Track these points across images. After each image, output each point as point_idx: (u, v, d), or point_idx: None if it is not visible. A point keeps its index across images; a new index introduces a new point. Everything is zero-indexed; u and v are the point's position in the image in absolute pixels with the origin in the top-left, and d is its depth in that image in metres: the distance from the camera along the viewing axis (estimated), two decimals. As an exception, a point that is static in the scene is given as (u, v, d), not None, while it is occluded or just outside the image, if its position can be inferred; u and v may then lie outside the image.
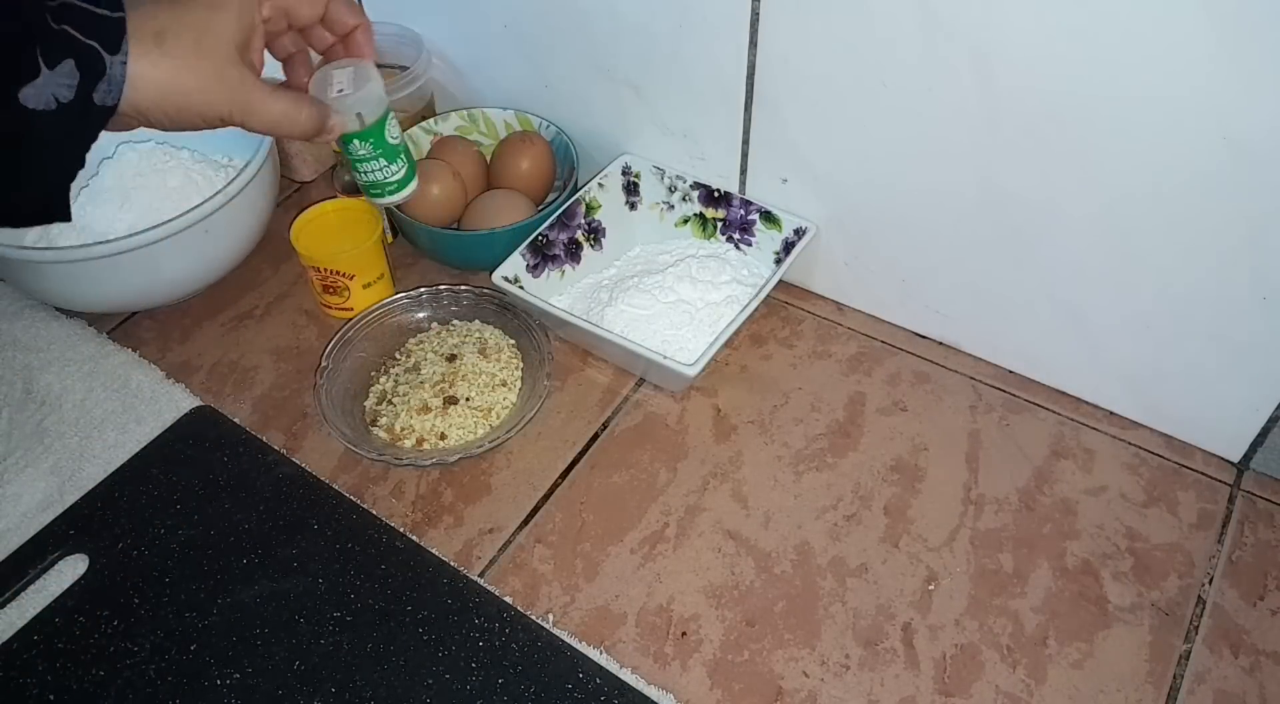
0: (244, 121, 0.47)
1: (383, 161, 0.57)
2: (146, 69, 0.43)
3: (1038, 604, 0.55)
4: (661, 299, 0.67)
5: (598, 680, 0.52)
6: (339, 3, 0.51)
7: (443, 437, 0.63)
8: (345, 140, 0.56)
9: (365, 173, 0.57)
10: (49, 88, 0.40)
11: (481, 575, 0.57)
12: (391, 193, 0.58)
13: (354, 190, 0.73)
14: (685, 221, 0.73)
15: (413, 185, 0.58)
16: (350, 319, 0.68)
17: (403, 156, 0.58)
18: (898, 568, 0.57)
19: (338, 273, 0.68)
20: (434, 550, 0.58)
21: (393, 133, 0.58)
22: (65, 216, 0.44)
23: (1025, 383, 0.66)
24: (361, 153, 0.57)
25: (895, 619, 0.55)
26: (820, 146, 0.64)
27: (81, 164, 0.43)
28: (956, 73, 0.54)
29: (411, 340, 0.69)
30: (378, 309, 0.68)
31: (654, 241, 0.74)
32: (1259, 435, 0.59)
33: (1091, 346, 0.62)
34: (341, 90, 0.54)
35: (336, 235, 0.69)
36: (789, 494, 0.61)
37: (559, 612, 0.56)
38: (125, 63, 0.42)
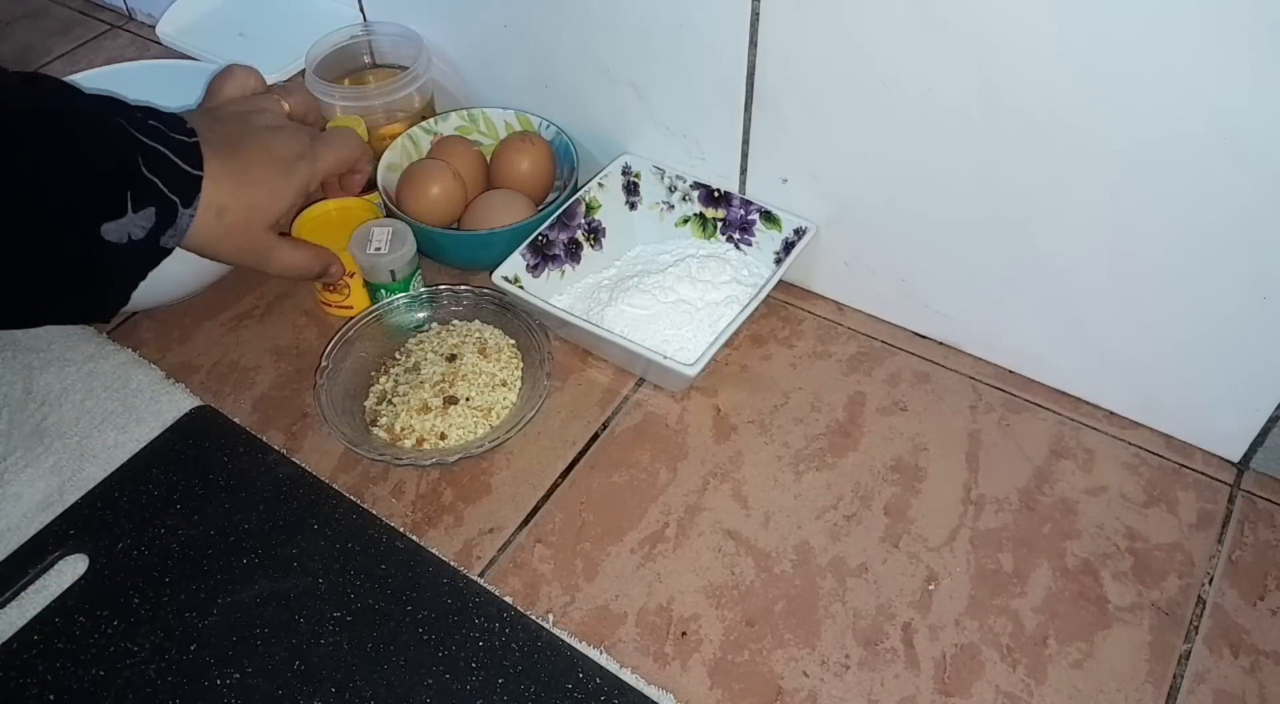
0: (261, 269, 0.58)
1: (397, 293, 0.68)
2: (201, 230, 0.50)
3: (1038, 604, 0.55)
4: (661, 299, 0.67)
5: (598, 680, 0.52)
6: (365, 160, 0.64)
7: (443, 437, 0.63)
8: (374, 287, 0.68)
9: (377, 293, 0.68)
10: (128, 227, 0.46)
11: (481, 575, 0.57)
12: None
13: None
14: (685, 221, 0.73)
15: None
16: (350, 318, 0.68)
17: (414, 286, 0.69)
18: (898, 568, 0.57)
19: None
20: (434, 550, 0.58)
21: (416, 285, 0.70)
22: (106, 321, 0.52)
23: (1025, 383, 0.66)
24: (383, 293, 0.68)
25: (895, 619, 0.55)
26: (820, 146, 0.64)
27: (130, 293, 0.49)
28: (957, 73, 0.54)
29: (411, 340, 0.69)
30: (378, 309, 0.68)
31: (654, 241, 0.74)
32: (1259, 435, 0.59)
33: (1091, 347, 0.62)
34: (379, 249, 0.66)
35: (337, 233, 0.69)
36: (789, 494, 0.61)
37: (559, 612, 0.56)
38: (193, 217, 0.49)
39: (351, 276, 0.69)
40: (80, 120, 0.45)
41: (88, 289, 0.47)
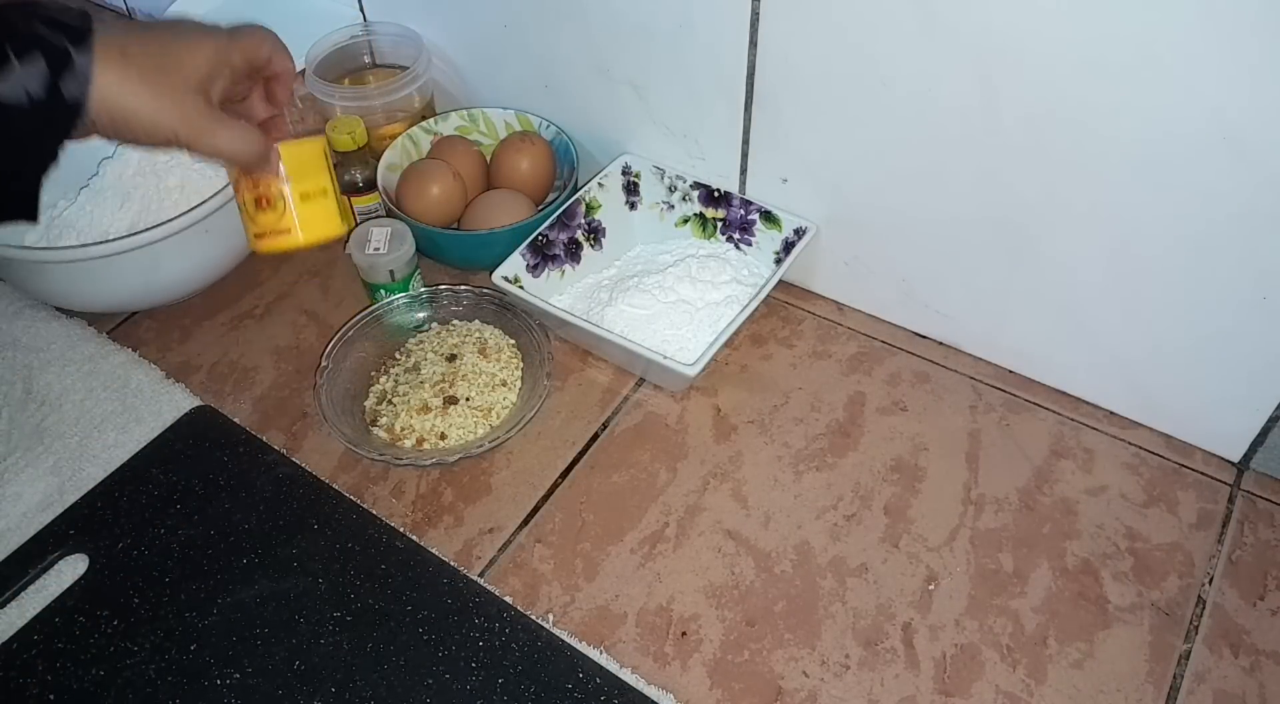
0: (190, 143, 0.48)
1: (396, 293, 0.68)
2: (110, 77, 0.44)
3: (1038, 604, 0.55)
4: (661, 299, 0.67)
5: (598, 680, 0.52)
6: (282, 54, 0.54)
7: (443, 436, 0.63)
8: (373, 287, 0.68)
9: (377, 293, 0.68)
10: (21, 81, 0.42)
11: (481, 575, 0.57)
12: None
13: (353, 189, 0.73)
14: (685, 221, 0.73)
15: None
16: (294, 250, 0.56)
17: (413, 286, 0.69)
18: (898, 568, 0.57)
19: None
20: (434, 550, 0.58)
21: (415, 286, 0.69)
22: (33, 217, 0.46)
23: (1025, 383, 0.66)
24: (381, 293, 0.68)
25: (895, 619, 0.55)
26: (820, 146, 0.64)
27: (52, 161, 0.45)
28: (957, 73, 0.54)
29: (411, 340, 0.69)
30: (378, 309, 0.68)
31: (654, 241, 0.74)
32: (1259, 435, 0.59)
33: (1091, 347, 0.62)
34: (378, 249, 0.66)
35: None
36: (789, 494, 0.61)
37: (559, 612, 0.56)
38: (91, 60, 0.44)
39: (287, 182, 0.55)
40: None
41: (5, 169, 0.44)
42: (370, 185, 0.74)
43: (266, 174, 0.55)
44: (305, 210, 0.56)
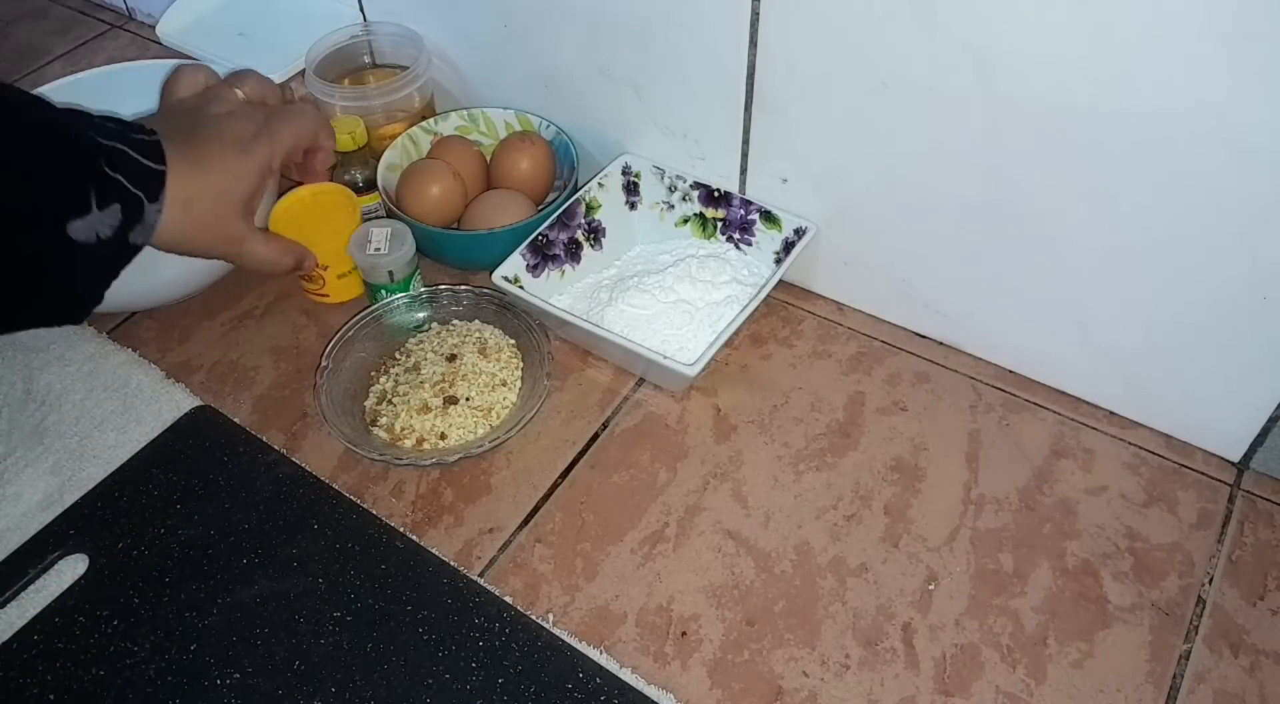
0: (235, 261, 0.57)
1: (396, 293, 0.69)
2: (170, 224, 0.50)
3: (1038, 604, 0.55)
4: (661, 299, 0.67)
5: (598, 680, 0.52)
6: (325, 133, 0.62)
7: (443, 436, 0.63)
8: (373, 288, 0.69)
9: (377, 293, 0.69)
10: (95, 225, 0.46)
11: (481, 575, 0.57)
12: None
13: (353, 189, 0.73)
14: (685, 221, 0.73)
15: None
16: (327, 309, 0.69)
17: (413, 286, 0.70)
18: (898, 568, 0.57)
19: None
20: (434, 550, 0.58)
21: (415, 286, 0.70)
22: (78, 322, 0.50)
23: (1025, 383, 0.66)
24: (381, 293, 0.69)
25: (895, 619, 0.55)
26: (820, 146, 0.64)
27: (103, 292, 0.49)
28: (958, 73, 0.54)
29: (411, 340, 0.69)
30: (378, 309, 0.68)
31: (654, 241, 0.74)
32: (1259, 435, 0.59)
33: (1091, 347, 0.62)
34: (379, 249, 0.67)
35: (313, 221, 0.69)
36: (789, 494, 0.61)
37: (559, 611, 0.56)
38: (160, 212, 0.49)
39: (325, 269, 0.69)
40: (45, 127, 0.46)
41: (60, 289, 0.47)
42: (370, 185, 0.74)
43: (305, 272, 0.65)
44: (338, 283, 0.71)
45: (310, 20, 0.81)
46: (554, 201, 0.73)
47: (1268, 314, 0.53)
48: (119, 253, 0.48)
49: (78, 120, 0.48)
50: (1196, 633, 0.54)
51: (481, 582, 0.57)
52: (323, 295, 0.72)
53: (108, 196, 0.46)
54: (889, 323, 0.71)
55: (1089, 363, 0.63)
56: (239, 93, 0.59)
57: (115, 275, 0.49)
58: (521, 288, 0.66)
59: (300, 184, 0.70)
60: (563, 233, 0.70)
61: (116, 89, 0.76)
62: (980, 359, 0.68)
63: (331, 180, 0.73)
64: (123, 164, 0.47)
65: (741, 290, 0.68)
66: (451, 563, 0.57)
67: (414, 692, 0.52)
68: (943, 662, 0.53)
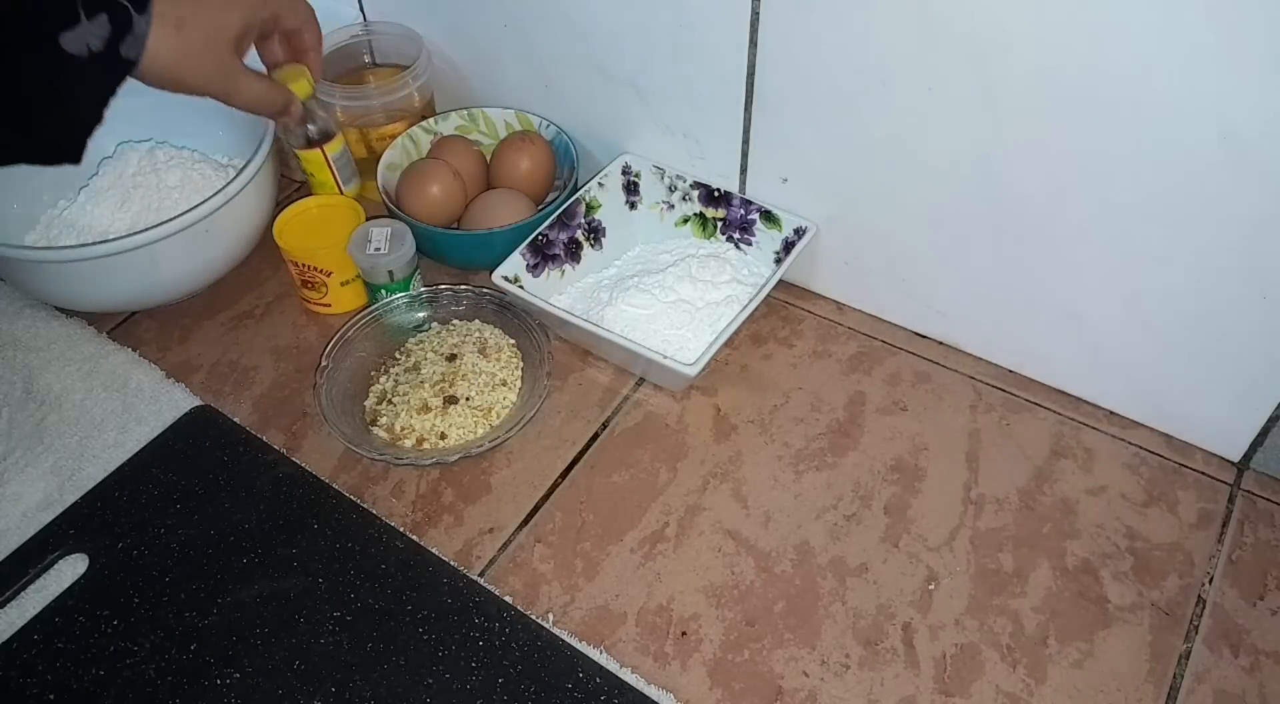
0: (225, 98, 0.56)
1: (396, 293, 0.68)
2: (162, 44, 0.49)
3: (1038, 604, 0.55)
4: (661, 299, 0.67)
5: (598, 680, 0.52)
6: (312, 23, 0.61)
7: (443, 436, 0.63)
8: (373, 288, 0.68)
9: (377, 293, 0.69)
10: (84, 36, 0.45)
11: (481, 575, 0.57)
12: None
13: (308, 143, 0.71)
14: (685, 221, 0.73)
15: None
16: (329, 317, 0.69)
17: (413, 286, 0.70)
18: (898, 568, 0.57)
19: (316, 269, 0.69)
20: (434, 550, 0.58)
21: (415, 286, 0.69)
22: (76, 160, 0.49)
23: (1025, 383, 0.66)
24: (381, 293, 0.68)
25: (895, 619, 0.55)
26: (820, 146, 0.64)
27: (102, 112, 0.48)
28: (957, 72, 0.54)
29: (411, 340, 0.69)
30: (377, 309, 0.68)
31: (654, 241, 0.74)
32: (1259, 435, 0.59)
33: (1091, 346, 0.62)
34: (379, 249, 0.66)
35: (318, 231, 0.70)
36: (789, 494, 0.61)
37: (559, 611, 0.56)
38: (149, 23, 0.48)
39: (329, 275, 0.69)
40: None
41: (56, 106, 0.47)
42: (325, 136, 0.68)
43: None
44: (340, 292, 0.71)
45: (310, 20, 0.80)
46: (554, 201, 0.73)
47: (1268, 314, 0.53)
48: (113, 66, 0.48)
49: None
50: (1196, 633, 0.54)
51: (481, 581, 0.57)
52: (324, 305, 0.72)
53: (93, 6, 0.46)
54: (889, 323, 0.71)
55: (1089, 363, 0.63)
56: None
57: (113, 92, 0.48)
58: (521, 287, 0.66)
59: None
60: (563, 232, 0.70)
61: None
62: (980, 359, 0.68)
63: (282, 134, 0.71)
64: None
65: (741, 290, 0.68)
66: (451, 563, 0.57)
67: (414, 692, 0.52)
68: (943, 662, 0.53)
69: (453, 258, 0.74)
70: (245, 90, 0.56)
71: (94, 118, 0.49)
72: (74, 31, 0.45)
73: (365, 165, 0.76)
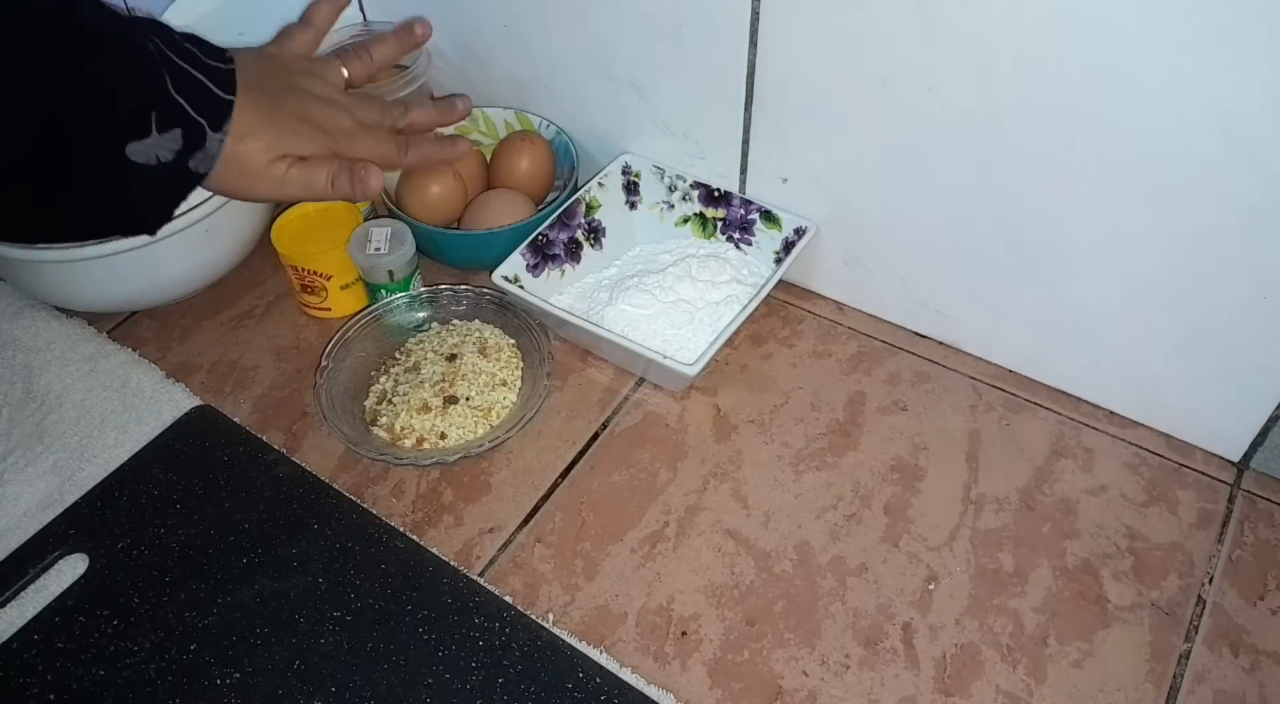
0: (279, 199, 0.56)
1: (396, 293, 0.68)
2: (228, 160, 0.48)
3: (1038, 604, 0.55)
4: (661, 298, 0.67)
5: (598, 680, 0.52)
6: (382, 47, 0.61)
7: (443, 436, 0.63)
8: (373, 288, 0.68)
9: (377, 293, 0.69)
10: (154, 148, 0.45)
11: (481, 575, 0.57)
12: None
13: None
14: (685, 221, 0.73)
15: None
16: (328, 320, 0.69)
17: (413, 286, 0.70)
18: (898, 567, 0.57)
19: (315, 273, 0.69)
20: (434, 550, 0.58)
21: (415, 286, 0.69)
22: (152, 232, 0.49)
23: (1025, 382, 0.66)
24: (381, 292, 0.68)
25: (895, 619, 0.55)
26: (820, 146, 0.64)
27: (168, 217, 0.48)
28: (958, 73, 0.54)
29: (411, 340, 0.69)
30: (377, 309, 0.68)
31: (654, 241, 0.74)
32: (1259, 435, 0.59)
33: (1091, 347, 0.62)
34: (379, 249, 0.67)
35: (316, 235, 0.70)
36: (789, 494, 0.61)
37: (559, 611, 0.56)
38: (223, 141, 0.47)
39: (329, 279, 0.69)
40: (112, 42, 0.44)
41: (125, 206, 0.47)
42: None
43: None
44: (340, 296, 0.71)
45: (310, 20, 0.80)
46: (554, 201, 0.73)
47: (1268, 314, 0.53)
48: (181, 178, 0.47)
49: (151, 34, 0.46)
50: (1196, 633, 0.54)
51: (481, 581, 0.57)
52: (324, 309, 0.71)
53: (168, 121, 0.45)
54: (889, 323, 0.71)
55: (1089, 363, 0.63)
56: (344, 72, 0.58)
57: (182, 198, 0.48)
58: (521, 287, 0.66)
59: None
60: (563, 232, 0.70)
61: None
62: (980, 359, 0.68)
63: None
64: (188, 88, 0.46)
65: (741, 290, 0.68)
66: (451, 563, 0.57)
67: (414, 692, 0.52)
68: (943, 662, 0.53)
69: (453, 258, 0.74)
70: (292, 192, 0.53)
71: (163, 216, 0.48)
72: (142, 143, 0.44)
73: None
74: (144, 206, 0.47)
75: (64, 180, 0.44)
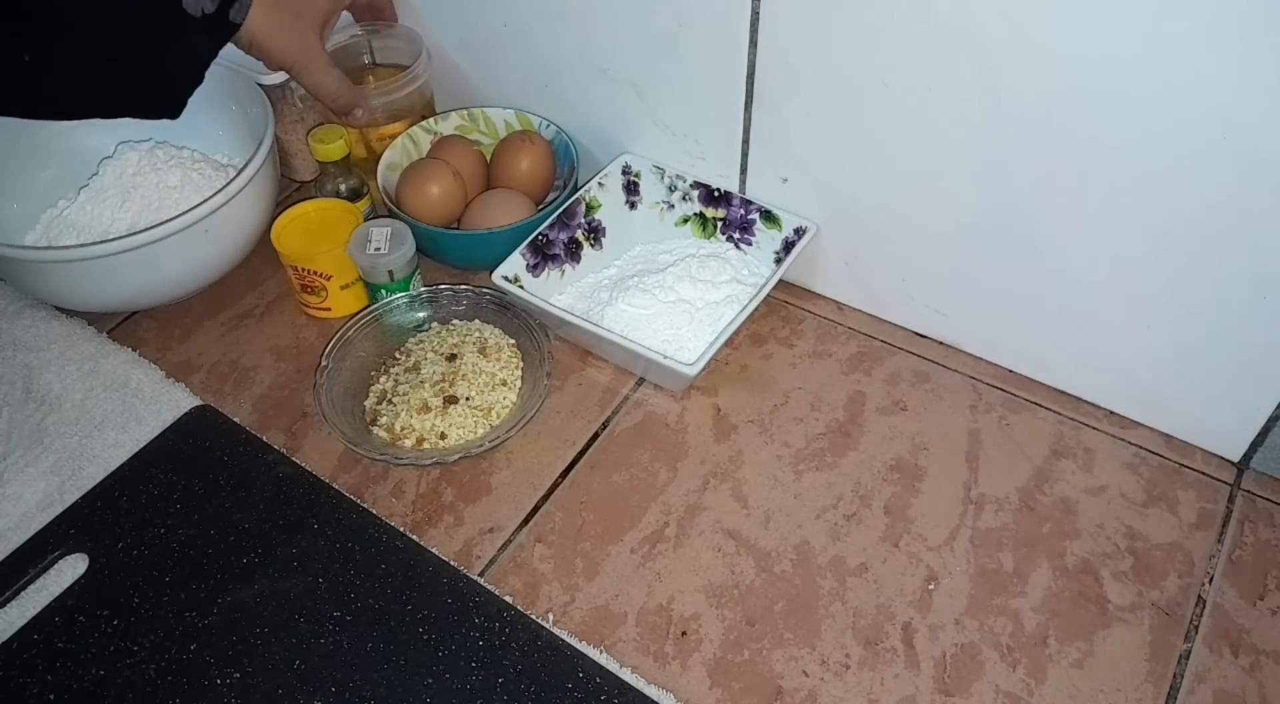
0: (299, 76, 0.64)
1: (396, 293, 0.69)
2: (258, 13, 0.57)
3: (1038, 604, 0.55)
4: (661, 298, 0.67)
5: (598, 680, 0.52)
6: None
7: (443, 436, 0.63)
8: (373, 288, 0.68)
9: (377, 293, 0.69)
10: (201, 2, 0.54)
11: (481, 575, 0.57)
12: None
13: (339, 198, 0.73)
14: (685, 221, 0.73)
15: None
16: (328, 320, 0.69)
17: (413, 286, 0.70)
18: (898, 567, 0.57)
19: (315, 273, 0.69)
20: (434, 550, 0.58)
21: (415, 285, 0.70)
22: (175, 115, 0.57)
23: (1025, 382, 0.66)
24: (381, 292, 0.68)
25: (895, 619, 0.55)
26: (820, 146, 0.64)
27: (203, 72, 0.57)
28: (958, 73, 0.54)
29: (411, 340, 0.69)
30: (377, 309, 0.68)
31: (654, 241, 0.74)
32: (1259, 435, 0.59)
33: (1091, 346, 0.62)
34: (379, 249, 0.67)
35: (316, 235, 0.70)
36: (789, 494, 0.61)
37: (559, 611, 0.56)
38: None
39: (329, 279, 0.69)
40: None
41: (169, 60, 0.55)
42: (355, 194, 0.74)
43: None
44: (340, 296, 0.71)
45: (310, 20, 0.80)
46: (554, 201, 0.73)
47: (1268, 314, 0.53)
48: (219, 29, 0.56)
49: None
50: (1196, 633, 0.54)
51: (481, 581, 0.57)
52: (325, 309, 0.71)
53: None
54: (889, 323, 0.71)
55: (1089, 362, 0.63)
56: None
57: (215, 53, 0.56)
58: (521, 287, 0.66)
59: (308, 199, 0.71)
60: (563, 232, 0.70)
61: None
62: (980, 359, 0.68)
63: (316, 192, 0.74)
64: None
65: (741, 290, 0.68)
66: (451, 563, 0.57)
67: (414, 692, 0.52)
68: (943, 662, 0.53)
69: (453, 258, 0.74)
70: (318, 73, 0.63)
71: (197, 77, 0.56)
72: None
73: (365, 165, 0.76)
74: (189, 60, 0.55)
75: (113, 31, 0.52)
